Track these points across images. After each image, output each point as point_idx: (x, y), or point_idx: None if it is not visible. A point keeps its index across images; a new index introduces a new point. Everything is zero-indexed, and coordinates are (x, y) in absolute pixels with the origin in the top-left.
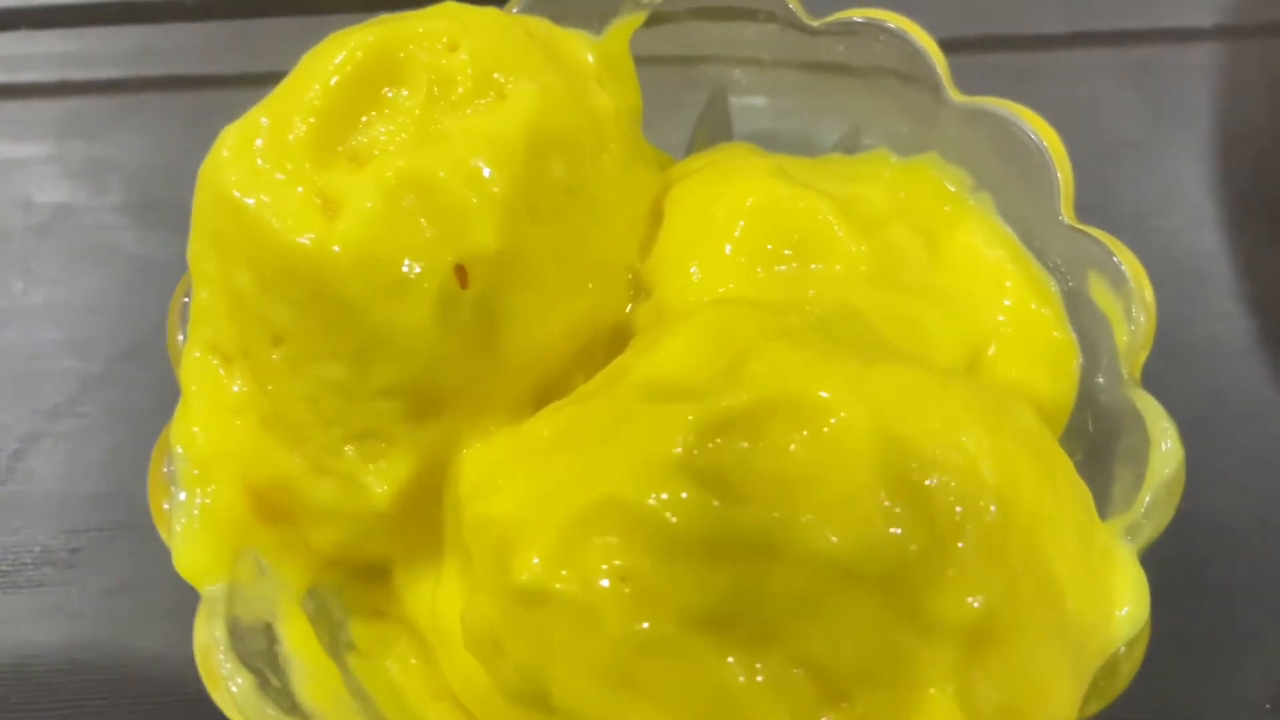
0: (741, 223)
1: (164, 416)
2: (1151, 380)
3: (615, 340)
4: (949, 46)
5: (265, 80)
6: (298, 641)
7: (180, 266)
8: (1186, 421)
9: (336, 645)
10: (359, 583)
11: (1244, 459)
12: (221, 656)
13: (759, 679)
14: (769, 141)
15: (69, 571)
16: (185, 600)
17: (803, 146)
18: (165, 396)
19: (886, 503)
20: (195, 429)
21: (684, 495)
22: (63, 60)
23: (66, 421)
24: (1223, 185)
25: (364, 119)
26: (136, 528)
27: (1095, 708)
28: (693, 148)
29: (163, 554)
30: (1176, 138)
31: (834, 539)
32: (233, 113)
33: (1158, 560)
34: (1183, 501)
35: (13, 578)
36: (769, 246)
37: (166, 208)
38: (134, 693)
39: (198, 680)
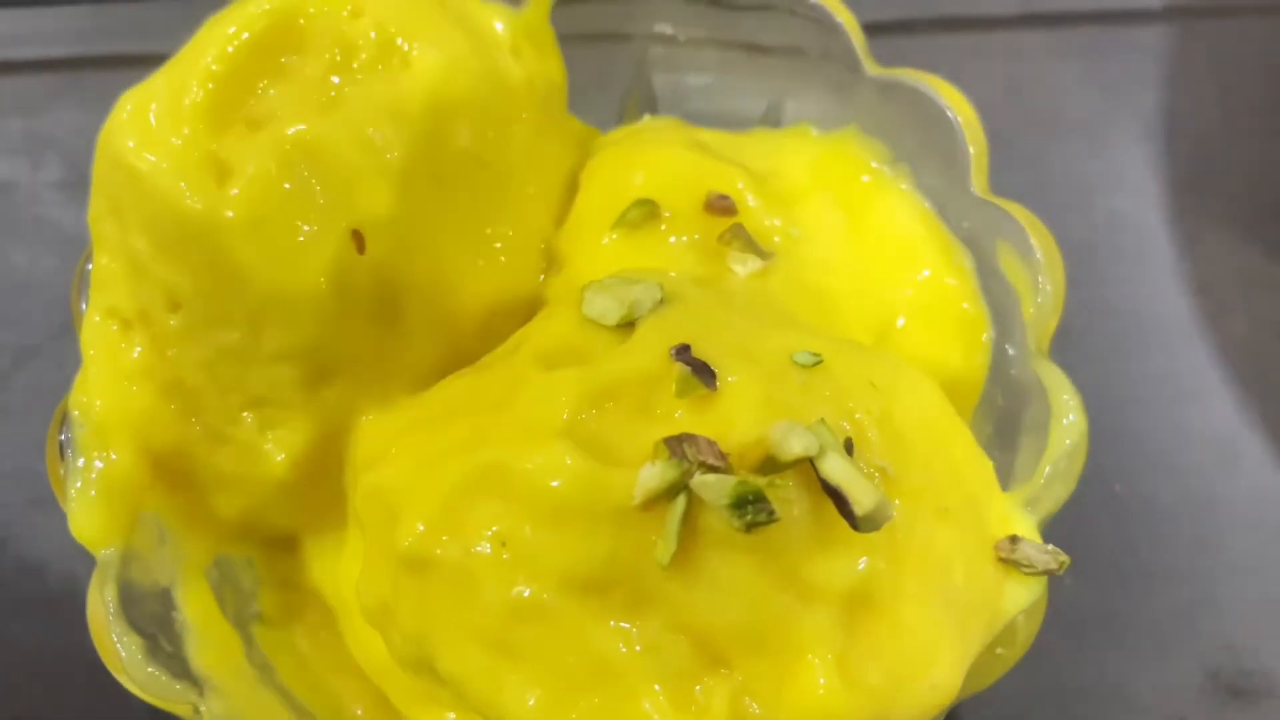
0: (656, 192)
1: None
2: (1088, 360)
3: (527, 313)
4: (894, 28)
5: None
6: (196, 609)
7: None
8: (1123, 402)
9: (243, 616)
10: (269, 553)
11: (1180, 441)
12: (111, 619)
13: (636, 646)
14: (693, 117)
15: None
16: None
17: (728, 121)
18: None
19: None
20: (93, 394)
21: (566, 461)
22: (4, 39)
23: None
24: (1166, 165)
25: (262, 85)
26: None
27: (995, 675)
28: (621, 124)
29: None
30: (1122, 117)
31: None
32: None
33: (1091, 540)
34: (1117, 481)
35: None
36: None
37: None
38: (51, 666)
39: None
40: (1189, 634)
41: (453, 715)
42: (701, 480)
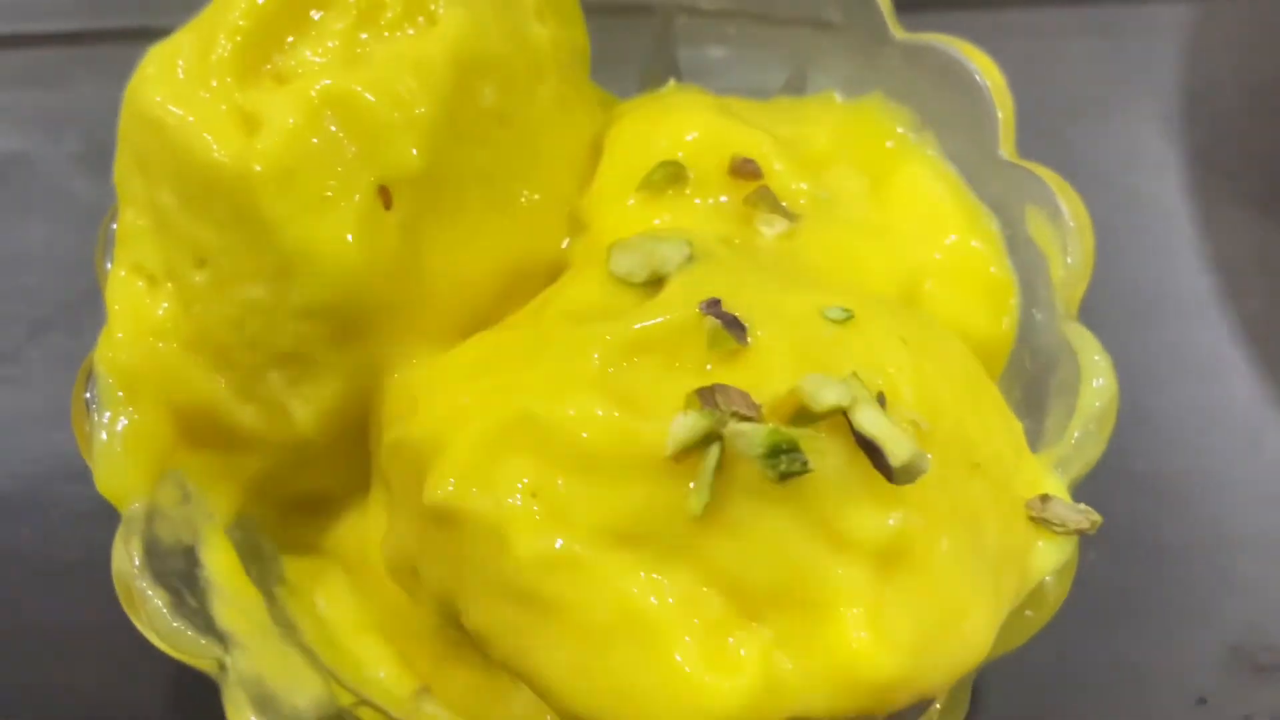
0: (681, 155)
1: None
2: (1108, 335)
3: (552, 276)
4: (908, 4)
5: None
6: (220, 566)
7: None
8: (1142, 379)
9: (266, 578)
10: (291, 517)
11: (1198, 417)
12: (137, 574)
13: (669, 598)
14: (717, 89)
15: (13, 516)
16: None
17: (751, 91)
18: None
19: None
20: (119, 350)
21: (598, 412)
22: (21, 11)
23: (13, 367)
24: (1184, 143)
25: (289, 40)
26: (81, 474)
27: (1022, 638)
28: (643, 89)
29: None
30: (1139, 96)
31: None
32: None
33: (1111, 518)
34: (1137, 459)
35: None
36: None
37: None
38: (72, 633)
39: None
40: (1210, 610)
41: (475, 675)
42: (735, 429)
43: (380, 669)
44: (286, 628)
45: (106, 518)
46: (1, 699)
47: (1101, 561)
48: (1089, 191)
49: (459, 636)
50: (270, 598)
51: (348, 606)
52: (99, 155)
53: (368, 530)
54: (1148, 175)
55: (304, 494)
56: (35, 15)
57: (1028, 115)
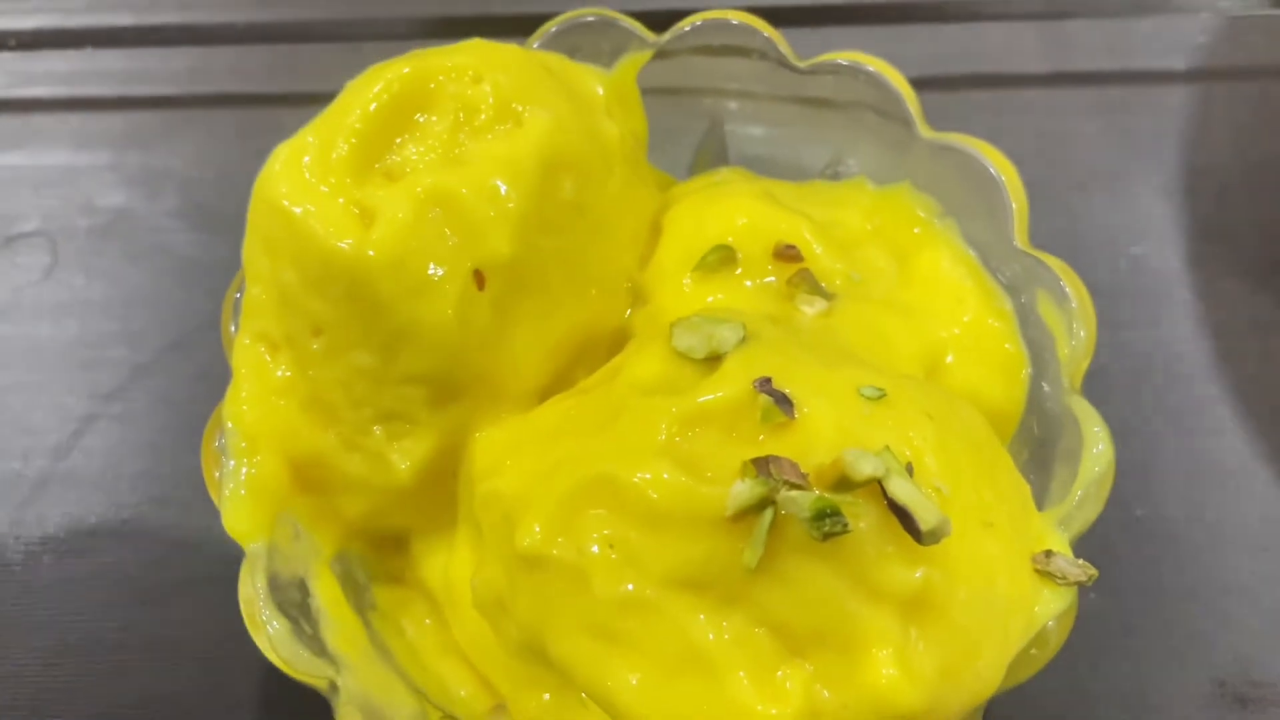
0: (731, 239)
1: (204, 404)
2: (1113, 395)
3: (615, 342)
4: (936, 84)
5: (308, 100)
6: (327, 597)
7: (225, 267)
8: (1143, 433)
9: (361, 605)
10: (381, 552)
11: (1197, 470)
12: (262, 604)
13: (726, 636)
14: (761, 167)
15: (119, 540)
16: (218, 570)
17: (791, 172)
18: (207, 385)
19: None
20: (244, 407)
21: (665, 476)
22: (123, 77)
23: (118, 405)
24: (1188, 216)
25: (398, 140)
26: (179, 503)
27: (1027, 674)
28: (693, 171)
29: (201, 525)
30: (1146, 171)
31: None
32: (278, 129)
33: (1113, 561)
34: (1138, 507)
35: (71, 544)
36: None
37: (214, 214)
38: (173, 646)
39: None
40: (1201, 646)
41: (548, 696)
42: (787, 496)
43: (461, 689)
44: (381, 651)
45: (197, 545)
46: (109, 708)
47: (1102, 600)
48: (1096, 260)
49: (532, 662)
50: (367, 624)
51: (430, 632)
52: (193, 212)
53: (453, 565)
54: (1152, 245)
55: (393, 532)
56: (134, 81)
57: (1041, 187)
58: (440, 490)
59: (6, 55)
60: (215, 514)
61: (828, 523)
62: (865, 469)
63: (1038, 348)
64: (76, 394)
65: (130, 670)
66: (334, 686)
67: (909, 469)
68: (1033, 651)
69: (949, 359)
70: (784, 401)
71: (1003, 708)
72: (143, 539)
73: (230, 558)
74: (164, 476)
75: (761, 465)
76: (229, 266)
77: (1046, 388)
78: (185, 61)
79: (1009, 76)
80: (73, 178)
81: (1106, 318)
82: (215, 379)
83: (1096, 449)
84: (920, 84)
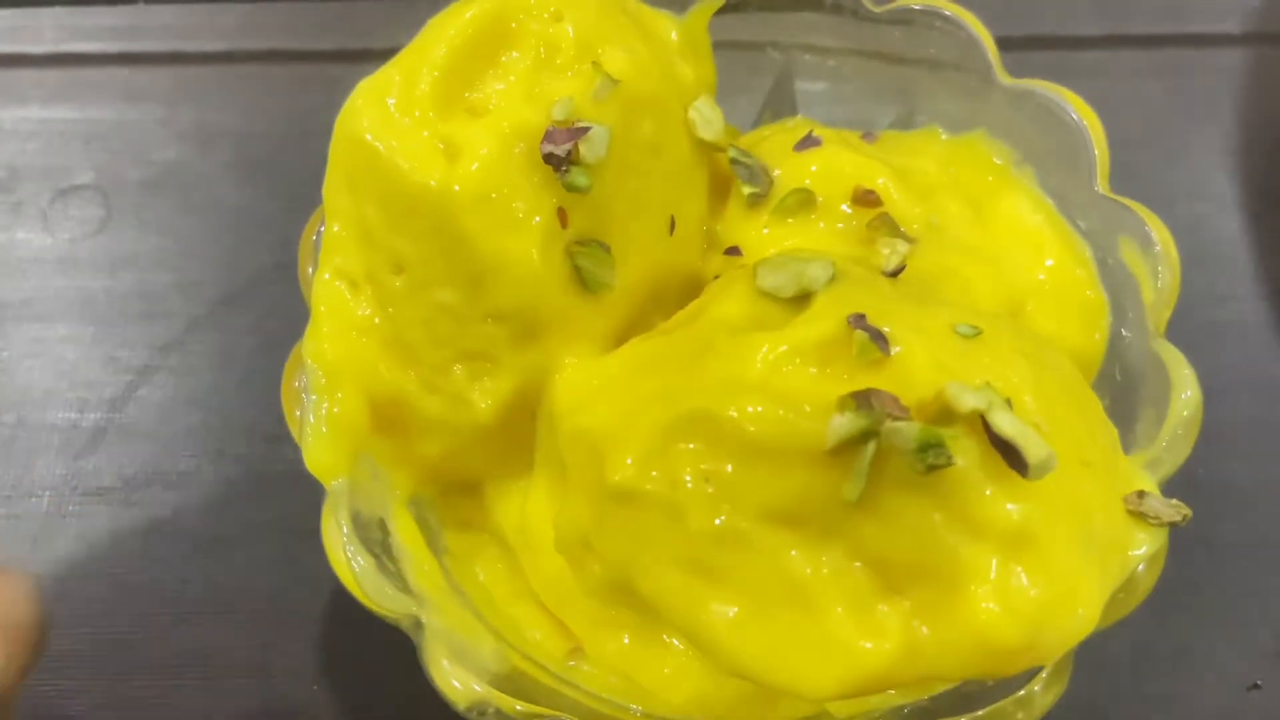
0: (808, 183)
1: (260, 357)
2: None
3: (691, 288)
4: (1001, 46)
5: (360, 56)
6: (407, 537)
7: (279, 222)
8: (1206, 394)
9: (435, 549)
10: (452, 498)
11: (1257, 428)
12: (346, 541)
13: (824, 570)
14: (829, 121)
15: (175, 492)
16: (276, 518)
17: (859, 126)
18: (262, 338)
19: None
20: (325, 344)
21: (761, 409)
22: (176, 32)
23: (174, 357)
24: (1245, 177)
25: (481, 77)
26: (234, 455)
27: (1116, 616)
28: (759, 124)
29: (257, 477)
30: (1203, 133)
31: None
32: (330, 85)
33: None
34: (1200, 466)
35: (127, 496)
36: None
37: (267, 168)
38: (229, 595)
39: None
40: (1264, 605)
41: (627, 639)
42: (892, 426)
43: (536, 631)
44: (458, 592)
45: (254, 497)
46: (170, 657)
47: (1169, 558)
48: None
49: (615, 603)
50: (443, 566)
51: (503, 577)
52: (247, 166)
53: (528, 509)
54: (1211, 206)
55: (468, 476)
56: (185, 37)
57: None
58: (518, 432)
59: (57, 9)
60: (272, 465)
61: (931, 454)
62: (969, 402)
63: (1117, 295)
64: (131, 346)
65: (188, 621)
66: (418, 624)
67: (1009, 405)
68: (1121, 595)
69: (1029, 306)
70: (879, 338)
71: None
72: (199, 491)
73: (288, 510)
74: (219, 429)
75: (862, 398)
76: (283, 221)
77: (1127, 335)
78: (236, 17)
79: (1065, 38)
80: (124, 132)
81: None
82: (270, 332)
83: (1185, 394)
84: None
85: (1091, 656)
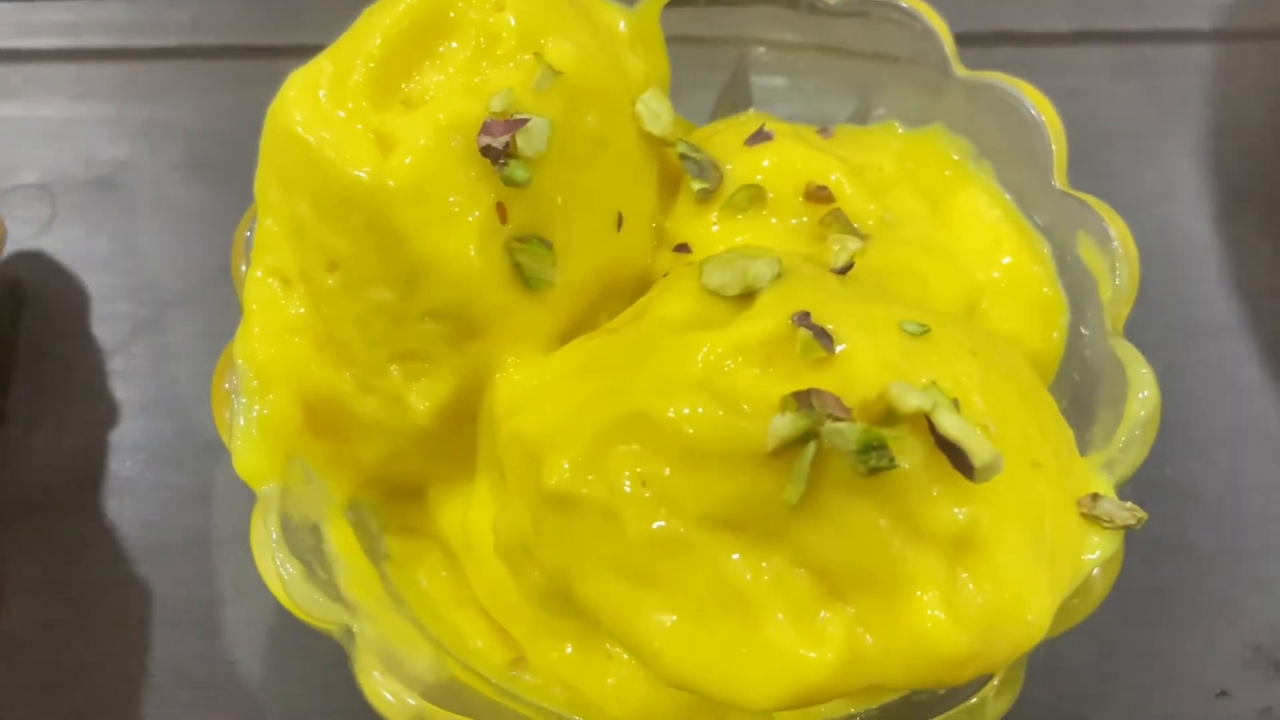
0: (759, 178)
1: (208, 361)
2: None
3: (640, 286)
4: (961, 41)
5: (311, 52)
6: (341, 544)
7: (228, 221)
8: (1174, 394)
9: (375, 555)
10: (394, 503)
11: (1224, 431)
12: (275, 546)
13: (765, 577)
14: (789, 116)
15: (119, 498)
16: (220, 531)
17: (818, 120)
18: (210, 341)
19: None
20: (256, 345)
21: (701, 410)
22: (124, 28)
23: (120, 360)
24: (1215, 176)
25: (418, 68)
26: (177, 460)
27: (1071, 622)
28: (716, 119)
29: (202, 485)
30: (1173, 131)
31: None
32: (281, 81)
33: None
34: (1168, 468)
35: (68, 501)
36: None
37: (217, 167)
38: (172, 603)
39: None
40: (1234, 611)
41: (570, 648)
42: (832, 428)
43: (478, 640)
44: (396, 600)
45: (198, 505)
46: (109, 665)
47: (1135, 562)
48: (1124, 218)
49: (555, 612)
50: (381, 574)
51: (446, 583)
52: (196, 165)
53: (470, 514)
54: (1180, 205)
55: (408, 480)
56: (134, 32)
57: (1068, 146)
58: (459, 435)
59: (6, 6)
60: (216, 471)
61: (873, 456)
62: (913, 402)
63: (1076, 292)
64: (81, 348)
65: (130, 629)
66: (349, 632)
67: (955, 405)
68: (1075, 601)
69: (985, 303)
70: (824, 336)
71: (1035, 666)
72: (143, 498)
73: (233, 517)
74: (165, 434)
75: (803, 398)
76: (232, 220)
77: (1086, 333)
78: (187, 13)
79: (1034, 34)
80: (72, 129)
81: None
82: (219, 335)
83: (1143, 393)
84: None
85: (1057, 662)
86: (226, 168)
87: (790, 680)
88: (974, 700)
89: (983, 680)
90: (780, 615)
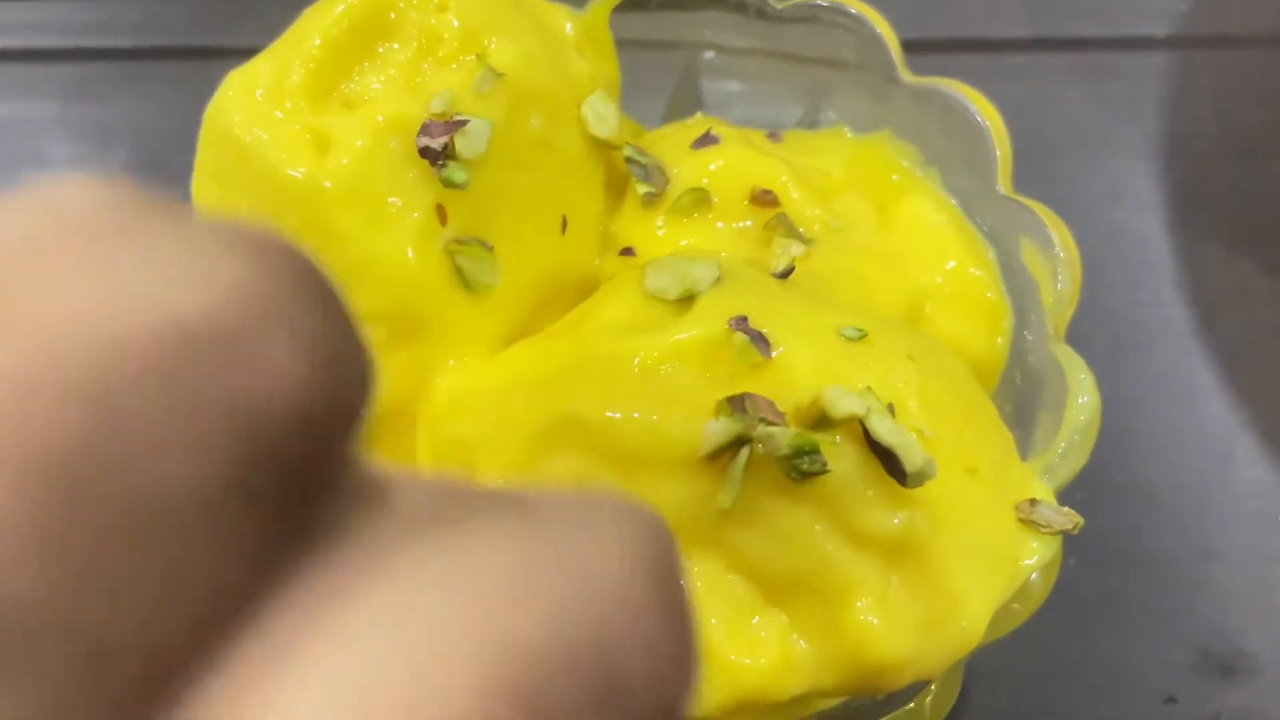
0: (706, 182)
1: None
2: (1093, 359)
3: (584, 289)
4: (918, 46)
5: None
6: None
7: None
8: (1124, 399)
9: None
10: None
11: (1176, 436)
12: None
13: (698, 582)
14: (735, 120)
15: None
16: None
17: (767, 124)
18: None
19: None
20: None
21: (636, 415)
22: (76, 28)
23: None
24: (1167, 182)
25: (358, 69)
26: None
27: (1009, 627)
28: (666, 123)
29: None
30: (1126, 137)
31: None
32: None
33: (1092, 527)
34: (1118, 474)
35: None
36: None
37: (170, 169)
38: None
39: None
40: (1183, 616)
41: None
42: (764, 432)
43: None
44: None
45: None
46: None
47: (1082, 567)
48: (1077, 225)
49: None
50: None
51: None
52: (148, 167)
53: None
54: (1132, 211)
55: None
56: (85, 32)
57: (1020, 152)
58: (398, 439)
59: None
60: None
61: (806, 461)
62: (846, 407)
63: (1020, 297)
64: None
65: None
66: None
67: (890, 410)
68: (1015, 606)
69: (929, 308)
70: (760, 340)
71: (980, 675)
72: None
73: None
74: None
75: (736, 403)
76: None
77: (1029, 337)
78: (139, 11)
79: (991, 41)
80: (19, 129)
81: (1086, 283)
82: None
83: (1082, 399)
84: (901, 47)
85: (1002, 668)
86: (175, 168)
87: (724, 687)
88: (911, 705)
89: (920, 686)
90: (714, 620)
